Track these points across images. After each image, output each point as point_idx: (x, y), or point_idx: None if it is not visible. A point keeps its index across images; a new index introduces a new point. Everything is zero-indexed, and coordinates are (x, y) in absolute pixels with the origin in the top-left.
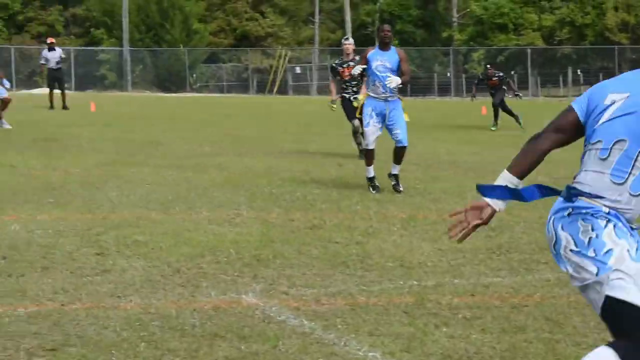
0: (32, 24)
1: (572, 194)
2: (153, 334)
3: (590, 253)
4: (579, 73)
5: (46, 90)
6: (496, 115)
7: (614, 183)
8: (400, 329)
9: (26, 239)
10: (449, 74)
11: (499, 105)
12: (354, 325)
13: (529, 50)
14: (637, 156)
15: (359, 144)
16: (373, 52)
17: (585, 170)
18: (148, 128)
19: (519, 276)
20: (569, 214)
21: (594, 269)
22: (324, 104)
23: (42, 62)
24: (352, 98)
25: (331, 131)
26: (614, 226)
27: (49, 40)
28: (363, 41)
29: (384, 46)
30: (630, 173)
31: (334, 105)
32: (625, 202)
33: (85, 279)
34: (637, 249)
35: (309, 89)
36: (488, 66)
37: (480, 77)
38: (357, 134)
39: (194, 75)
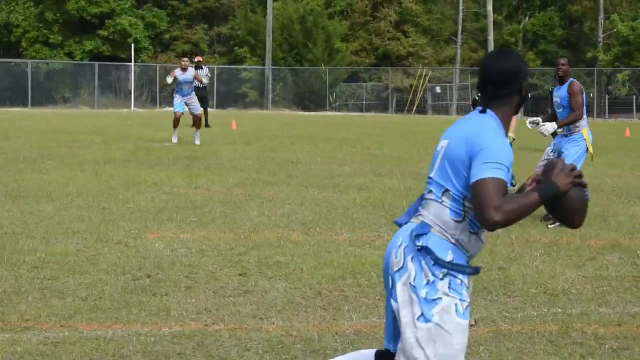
0: (178, 43)
1: (423, 227)
2: (295, 357)
3: (422, 294)
4: None
5: None
6: None
7: (454, 220)
8: (545, 358)
9: (170, 257)
10: (592, 95)
11: None
12: (498, 354)
13: None
14: (463, 200)
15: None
16: (555, 87)
17: (428, 209)
18: (288, 147)
19: None
20: (418, 249)
21: (417, 311)
22: None
23: None
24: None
25: None
26: (450, 281)
27: (197, 58)
28: None
29: (559, 80)
30: (464, 212)
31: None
32: (467, 240)
33: (228, 300)
34: (467, 306)
35: (448, 109)
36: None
37: None
38: None
39: (334, 94)
